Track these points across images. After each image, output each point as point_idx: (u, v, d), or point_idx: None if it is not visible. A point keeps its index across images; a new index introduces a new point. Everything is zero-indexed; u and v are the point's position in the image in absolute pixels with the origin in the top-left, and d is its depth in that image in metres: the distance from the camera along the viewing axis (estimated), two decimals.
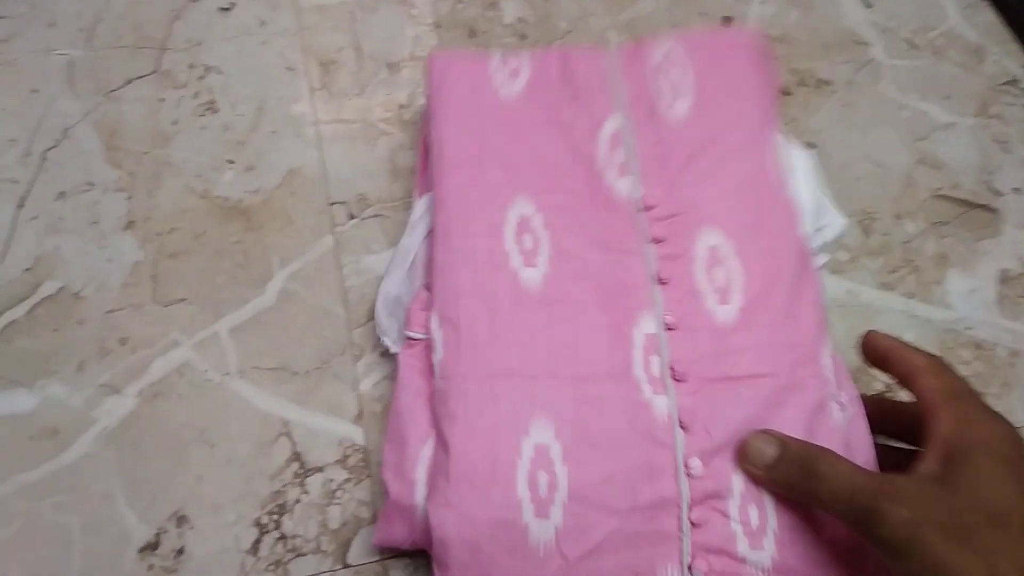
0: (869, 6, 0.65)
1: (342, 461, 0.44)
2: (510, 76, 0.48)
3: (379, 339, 0.45)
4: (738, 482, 0.37)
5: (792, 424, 0.38)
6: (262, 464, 0.43)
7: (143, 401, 0.44)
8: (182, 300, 0.47)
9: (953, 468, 0.31)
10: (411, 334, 0.42)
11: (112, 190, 0.50)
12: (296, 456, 0.44)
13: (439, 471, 0.37)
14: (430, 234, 0.45)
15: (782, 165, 0.46)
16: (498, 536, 0.36)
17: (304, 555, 0.41)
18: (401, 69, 0.57)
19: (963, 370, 0.49)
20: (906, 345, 0.37)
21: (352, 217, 0.51)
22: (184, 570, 0.40)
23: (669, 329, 0.41)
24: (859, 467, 0.34)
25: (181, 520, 0.42)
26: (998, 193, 0.56)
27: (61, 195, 0.49)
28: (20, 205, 0.49)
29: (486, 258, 0.42)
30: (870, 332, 0.39)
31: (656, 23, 0.62)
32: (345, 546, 0.42)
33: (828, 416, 0.39)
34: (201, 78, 0.55)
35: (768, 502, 0.37)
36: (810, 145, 0.56)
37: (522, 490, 0.36)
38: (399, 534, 0.39)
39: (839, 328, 0.50)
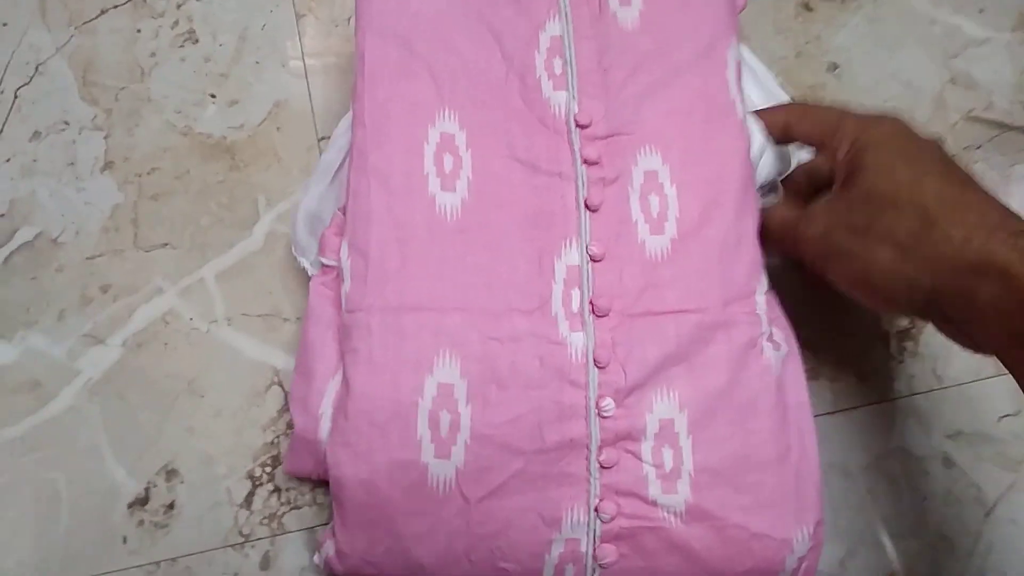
0: None
1: None
2: None
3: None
4: (653, 423, 0.36)
5: (717, 361, 0.37)
6: (254, 414, 0.42)
7: (127, 351, 0.42)
8: (165, 244, 0.45)
9: (852, 176, 0.34)
10: (324, 260, 0.40)
11: (88, 128, 0.47)
12: (289, 406, 0.42)
13: (340, 408, 0.36)
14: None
15: (738, 84, 0.41)
16: (396, 476, 0.35)
17: (299, 508, 0.40)
18: None
19: None
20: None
21: None
22: (175, 525, 0.39)
23: (594, 261, 0.38)
24: (788, 207, 0.38)
25: (171, 474, 0.40)
26: None
27: (35, 135, 0.47)
28: None
29: (402, 181, 0.38)
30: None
31: None
32: None
33: (760, 354, 0.37)
34: (180, 6, 0.51)
35: (686, 443, 0.36)
36: (833, 66, 0.53)
37: (423, 430, 0.35)
38: (306, 466, 0.38)
39: None
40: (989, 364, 0.45)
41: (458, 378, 0.36)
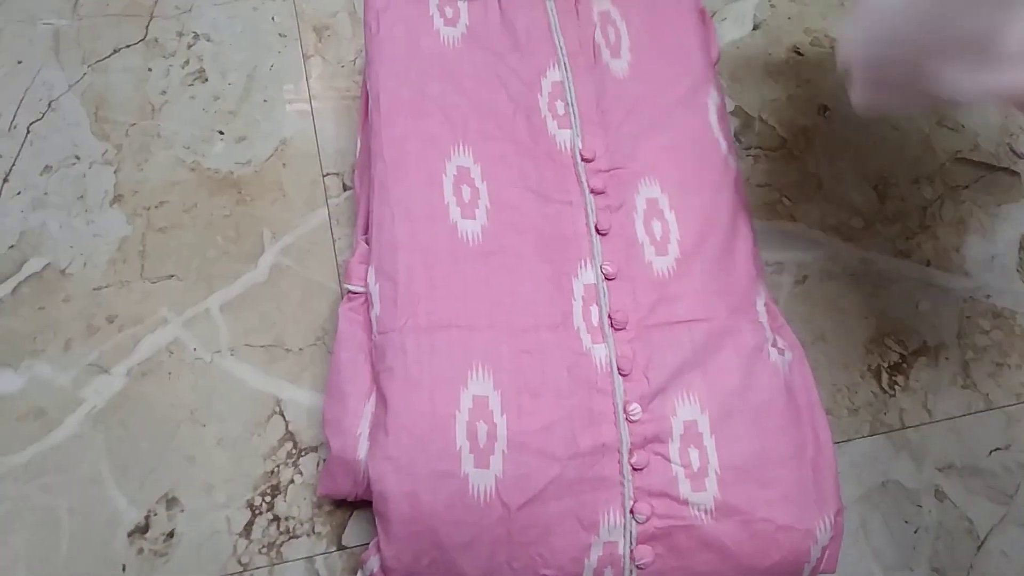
0: None
1: None
2: (448, 22, 0.47)
3: None
4: (678, 425, 0.38)
5: (729, 365, 0.39)
6: (255, 444, 0.42)
7: (132, 380, 0.43)
8: (171, 276, 0.45)
9: None
10: (351, 287, 0.42)
11: (99, 163, 0.48)
12: (290, 435, 0.42)
13: (378, 425, 0.38)
14: (369, 185, 0.44)
15: (719, 125, 0.46)
16: (438, 488, 0.36)
17: (298, 537, 0.40)
18: None
19: (981, 340, 0.47)
20: None
21: (346, 188, 0.49)
22: (175, 553, 0.39)
23: (608, 279, 0.41)
24: None
25: (171, 502, 0.40)
26: (1020, 156, 0.53)
27: (47, 169, 0.48)
28: (4, 180, 0.47)
29: (424, 211, 0.41)
30: None
31: None
32: (340, 527, 0.41)
33: (766, 357, 0.40)
34: (190, 46, 0.53)
35: (710, 443, 0.38)
36: (823, 108, 0.54)
37: (461, 441, 0.37)
38: (343, 487, 0.39)
39: (853, 298, 0.48)
40: (980, 399, 0.46)
41: (492, 390, 0.38)
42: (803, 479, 0.38)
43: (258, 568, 0.40)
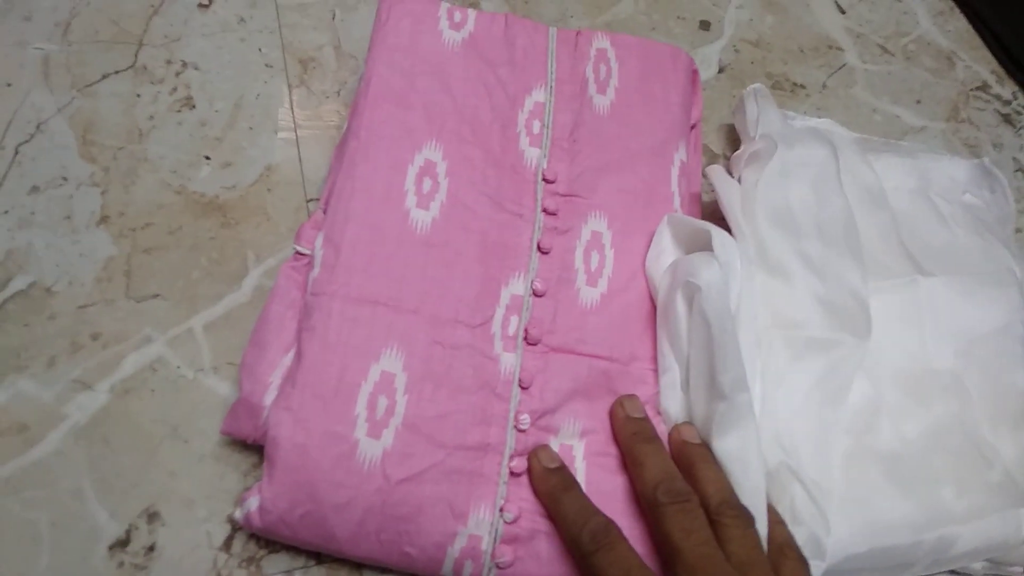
0: (843, 12, 0.66)
1: None
2: (454, 26, 0.50)
3: None
4: (555, 445, 0.41)
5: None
6: (235, 460, 0.43)
7: (115, 397, 0.43)
8: (156, 296, 0.46)
9: None
10: (298, 248, 0.44)
11: (86, 184, 0.49)
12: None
13: (288, 378, 0.40)
14: (337, 159, 0.47)
15: (679, 181, 0.49)
16: (328, 446, 0.38)
17: (277, 551, 0.41)
18: None
19: None
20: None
21: None
22: (155, 567, 0.40)
23: (536, 295, 0.44)
24: (589, 512, 0.38)
25: (152, 516, 0.41)
26: None
27: (34, 189, 0.49)
28: None
29: (383, 191, 0.44)
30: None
31: (634, 25, 0.63)
32: None
33: (654, 409, 0.43)
34: (178, 74, 0.54)
35: (580, 467, 0.41)
36: None
37: (360, 409, 0.39)
38: (245, 429, 0.41)
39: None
40: None
41: (400, 370, 0.40)
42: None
43: None
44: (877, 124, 0.61)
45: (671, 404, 0.43)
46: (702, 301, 0.40)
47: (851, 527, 0.40)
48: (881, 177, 0.50)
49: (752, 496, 0.38)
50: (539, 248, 0.45)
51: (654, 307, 0.46)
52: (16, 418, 0.42)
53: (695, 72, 0.54)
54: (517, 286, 0.44)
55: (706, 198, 0.54)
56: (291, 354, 0.41)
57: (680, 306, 0.42)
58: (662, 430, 0.43)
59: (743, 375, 0.39)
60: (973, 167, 0.54)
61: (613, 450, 0.42)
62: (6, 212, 0.48)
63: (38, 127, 0.51)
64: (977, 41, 0.67)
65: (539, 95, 0.49)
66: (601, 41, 0.52)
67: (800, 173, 0.47)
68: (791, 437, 0.40)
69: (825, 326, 0.43)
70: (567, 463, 0.41)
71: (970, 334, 0.46)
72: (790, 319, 0.44)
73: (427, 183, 0.45)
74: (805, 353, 0.43)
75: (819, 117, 0.58)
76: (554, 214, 0.46)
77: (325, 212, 0.45)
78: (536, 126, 0.48)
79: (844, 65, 0.63)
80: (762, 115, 0.51)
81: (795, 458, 0.40)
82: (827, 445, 0.41)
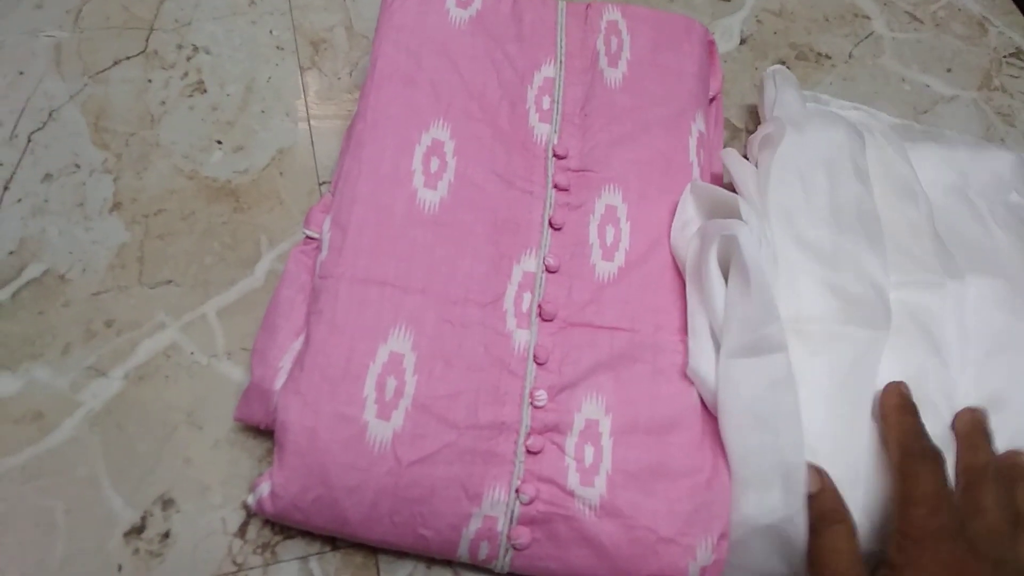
0: None
1: None
2: (461, 3, 0.49)
3: None
4: (580, 421, 0.39)
5: (642, 377, 0.41)
6: (250, 446, 0.42)
7: (129, 383, 0.43)
8: (169, 282, 0.46)
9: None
10: (307, 232, 0.44)
11: (99, 171, 0.49)
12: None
13: (297, 361, 0.39)
14: (346, 141, 0.46)
15: (698, 151, 0.48)
16: (337, 428, 0.37)
17: (292, 537, 0.41)
18: None
19: None
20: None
21: None
22: (170, 553, 0.40)
23: (549, 271, 0.43)
24: (849, 556, 0.36)
25: (167, 503, 0.41)
26: None
27: (47, 177, 0.49)
28: (5, 187, 0.48)
29: (390, 172, 0.43)
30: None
31: None
32: None
33: (682, 378, 0.41)
34: (189, 58, 0.54)
35: (607, 444, 0.39)
36: None
37: (369, 390, 0.38)
38: (257, 415, 0.40)
39: None
40: None
41: (409, 350, 0.39)
42: (694, 497, 0.38)
43: (252, 568, 0.40)
44: (906, 94, 0.58)
45: (702, 365, 0.40)
46: (741, 250, 0.39)
47: (873, 527, 0.38)
48: (916, 170, 0.48)
49: (792, 454, 0.37)
50: (551, 224, 0.44)
51: (677, 276, 0.44)
52: (31, 406, 0.42)
53: (711, 43, 0.52)
54: (529, 263, 0.43)
55: (726, 179, 0.52)
56: (301, 339, 0.41)
57: (712, 265, 0.40)
58: (695, 397, 0.40)
59: (782, 328, 0.38)
60: (1018, 161, 0.51)
61: (642, 425, 0.40)
62: (19, 200, 0.48)
63: (50, 115, 0.51)
64: (1010, 6, 0.64)
65: (548, 70, 0.48)
66: (612, 13, 0.50)
67: (812, 157, 0.45)
68: (813, 436, 0.39)
69: (841, 319, 0.41)
70: (592, 440, 0.39)
71: (1005, 345, 0.42)
72: (803, 312, 0.42)
73: (435, 162, 0.44)
74: (821, 348, 0.40)
75: (845, 89, 0.56)
76: (566, 190, 0.45)
77: (334, 195, 0.44)
78: (546, 102, 0.47)
79: (871, 34, 0.61)
80: (779, 97, 0.49)
81: (818, 458, 0.38)
82: (851, 444, 0.39)
